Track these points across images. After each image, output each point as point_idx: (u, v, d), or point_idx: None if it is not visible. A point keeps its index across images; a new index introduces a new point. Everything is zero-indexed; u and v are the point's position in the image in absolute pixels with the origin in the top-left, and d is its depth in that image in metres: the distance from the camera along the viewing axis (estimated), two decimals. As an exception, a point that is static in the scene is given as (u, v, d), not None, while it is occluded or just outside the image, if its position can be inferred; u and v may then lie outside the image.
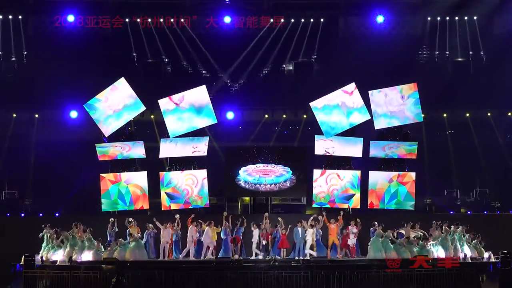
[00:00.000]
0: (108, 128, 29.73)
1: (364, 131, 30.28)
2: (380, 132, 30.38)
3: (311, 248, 27.13)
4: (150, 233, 27.48)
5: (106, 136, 29.79)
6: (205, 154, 30.18)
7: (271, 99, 33.67)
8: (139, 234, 27.22)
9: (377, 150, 30.07)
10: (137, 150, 29.86)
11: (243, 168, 30.71)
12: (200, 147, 30.07)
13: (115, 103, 29.72)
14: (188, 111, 29.80)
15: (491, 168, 32.85)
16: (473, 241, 26.78)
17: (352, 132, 30.24)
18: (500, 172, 32.88)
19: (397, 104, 29.82)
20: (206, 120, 29.97)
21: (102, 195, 29.81)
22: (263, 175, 30.82)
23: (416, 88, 29.70)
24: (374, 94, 29.83)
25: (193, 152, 30.15)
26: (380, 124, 30.02)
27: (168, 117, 29.80)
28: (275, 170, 30.90)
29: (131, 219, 27.42)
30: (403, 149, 30.13)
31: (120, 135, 30.13)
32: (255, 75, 33.66)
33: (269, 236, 27.30)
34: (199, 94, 29.73)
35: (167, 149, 30.02)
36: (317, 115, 29.93)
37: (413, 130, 30.82)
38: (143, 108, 29.94)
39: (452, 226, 26.83)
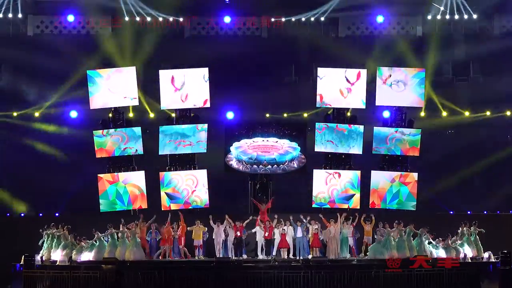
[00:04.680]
0: (97, 103, 29.99)
1: (366, 127, 30.45)
2: (384, 121, 30.69)
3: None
4: (152, 233, 27.50)
5: (91, 108, 30.04)
6: (205, 150, 30.09)
7: (272, 99, 33.62)
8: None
9: (380, 142, 30.08)
10: (134, 142, 29.86)
11: (235, 144, 28.30)
12: (200, 136, 29.83)
13: (114, 85, 29.93)
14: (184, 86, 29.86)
15: (490, 167, 32.81)
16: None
17: (353, 120, 30.35)
18: (500, 172, 32.85)
19: (402, 84, 30.13)
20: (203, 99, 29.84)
21: (100, 196, 29.89)
22: (262, 153, 27.93)
23: (422, 69, 30.14)
24: (380, 71, 30.15)
25: (192, 144, 29.85)
26: (383, 101, 30.17)
27: (164, 88, 29.84)
28: (278, 146, 27.86)
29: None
30: (406, 141, 30.12)
31: (118, 125, 30.29)
32: (257, 76, 33.57)
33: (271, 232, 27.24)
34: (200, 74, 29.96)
35: (166, 138, 29.88)
36: (319, 81, 29.91)
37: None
38: (136, 102, 30.06)
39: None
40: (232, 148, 28.63)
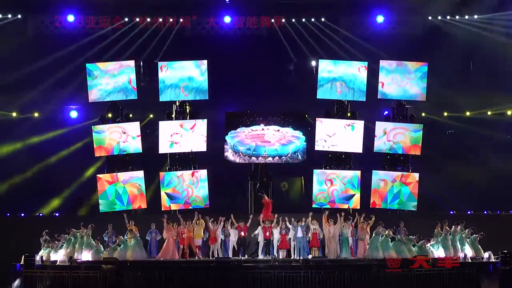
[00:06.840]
0: (95, 96, 30.00)
1: (367, 122, 30.46)
2: (386, 117, 30.79)
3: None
4: (152, 232, 27.49)
5: (89, 101, 30.07)
6: (205, 149, 30.04)
7: (272, 98, 33.63)
8: (137, 233, 27.32)
9: (382, 139, 30.04)
10: (133, 138, 29.81)
11: (231, 133, 27.23)
12: (200, 129, 29.74)
13: (113, 78, 29.97)
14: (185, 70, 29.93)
15: (490, 167, 32.82)
16: (472, 236, 26.82)
17: (353, 116, 30.33)
18: (500, 172, 32.88)
19: (404, 77, 30.13)
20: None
21: (100, 196, 29.88)
22: (262, 143, 26.35)
23: (425, 63, 30.08)
24: (383, 65, 30.16)
25: (192, 138, 29.80)
26: (384, 95, 30.18)
27: (165, 72, 29.85)
28: (279, 135, 26.23)
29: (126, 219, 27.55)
30: (408, 138, 30.02)
31: (117, 121, 30.26)
32: (257, 74, 33.59)
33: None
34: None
35: (166, 132, 29.79)
36: (320, 71, 29.72)
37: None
38: (135, 96, 30.02)
39: (452, 226, 26.91)
40: (228, 138, 27.87)
